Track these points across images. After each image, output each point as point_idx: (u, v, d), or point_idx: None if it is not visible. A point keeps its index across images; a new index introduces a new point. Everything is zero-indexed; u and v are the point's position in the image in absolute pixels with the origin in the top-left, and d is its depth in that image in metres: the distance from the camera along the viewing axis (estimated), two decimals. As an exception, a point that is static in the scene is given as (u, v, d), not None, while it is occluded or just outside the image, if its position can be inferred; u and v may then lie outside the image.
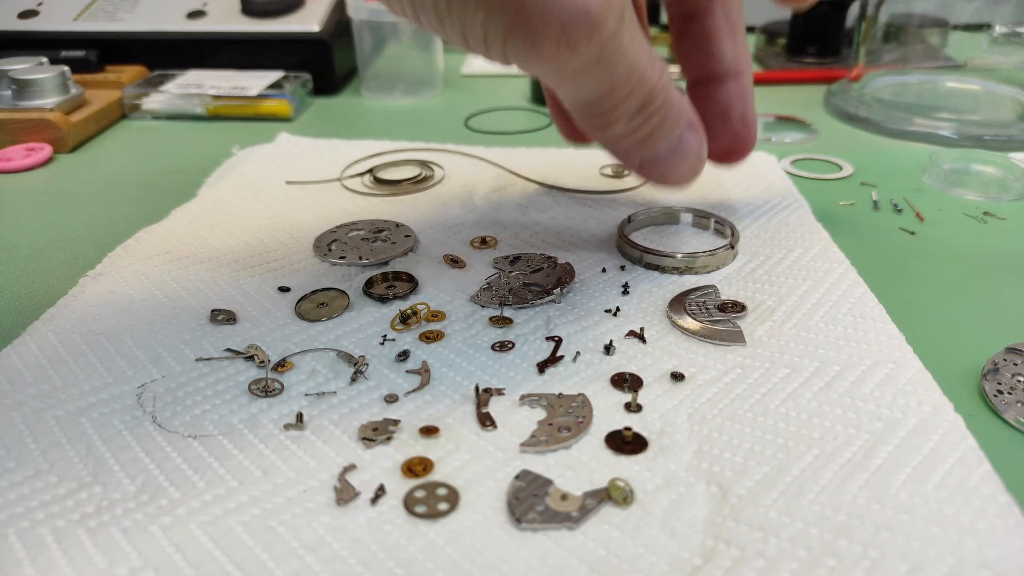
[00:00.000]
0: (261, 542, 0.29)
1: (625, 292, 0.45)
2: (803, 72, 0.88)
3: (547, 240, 0.51)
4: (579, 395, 0.36)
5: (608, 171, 0.61)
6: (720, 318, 0.42)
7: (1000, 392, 0.37)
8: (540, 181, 0.60)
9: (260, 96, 0.75)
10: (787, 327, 0.41)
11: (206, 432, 0.35)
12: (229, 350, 0.40)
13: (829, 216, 0.55)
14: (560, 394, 0.36)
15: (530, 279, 0.46)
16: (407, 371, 0.39)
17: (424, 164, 0.62)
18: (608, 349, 0.40)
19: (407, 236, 0.51)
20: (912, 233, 0.53)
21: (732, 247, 0.48)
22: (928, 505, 0.30)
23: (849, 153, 0.66)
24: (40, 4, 0.85)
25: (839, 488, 0.31)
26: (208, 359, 0.39)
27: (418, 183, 0.60)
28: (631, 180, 0.60)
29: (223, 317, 0.43)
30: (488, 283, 0.46)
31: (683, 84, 0.45)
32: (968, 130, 0.68)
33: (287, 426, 0.35)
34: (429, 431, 0.34)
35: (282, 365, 0.39)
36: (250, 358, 0.39)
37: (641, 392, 0.37)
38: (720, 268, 0.47)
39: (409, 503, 0.31)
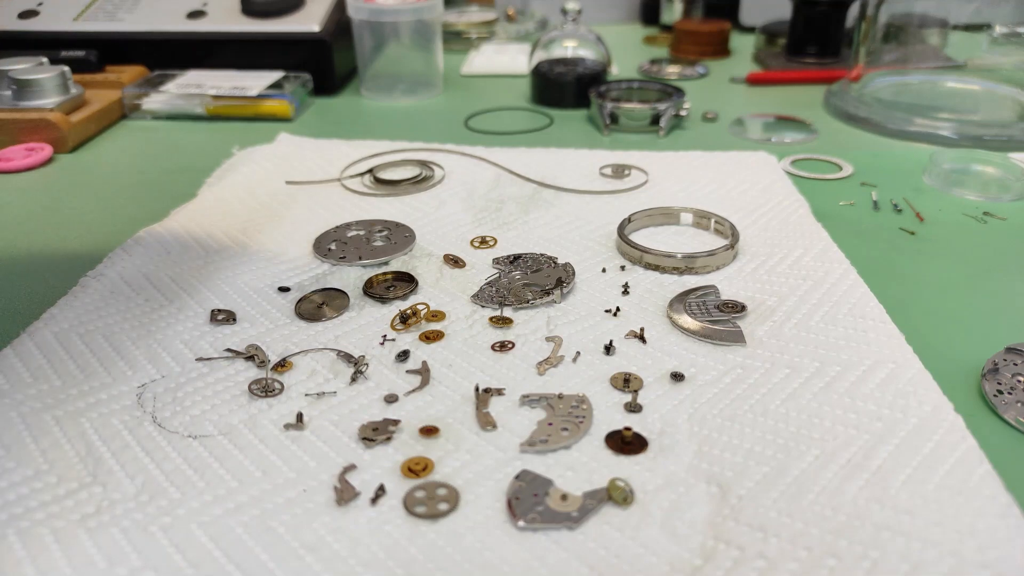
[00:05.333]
0: (261, 542, 0.29)
1: (625, 292, 0.45)
2: (803, 72, 0.88)
3: (547, 240, 0.51)
4: (579, 395, 0.36)
5: (608, 171, 0.61)
6: (720, 318, 0.42)
7: (1000, 392, 0.37)
8: (540, 181, 0.60)
9: (260, 96, 0.75)
10: (787, 327, 0.41)
11: (206, 432, 0.35)
12: (229, 350, 0.40)
13: (829, 216, 0.55)
14: (560, 394, 0.36)
15: (530, 279, 0.46)
16: (407, 371, 0.39)
17: (424, 164, 0.62)
18: (608, 349, 0.40)
19: (407, 236, 0.51)
20: (912, 233, 0.53)
21: (732, 247, 0.48)
22: (928, 506, 0.30)
23: (849, 153, 0.66)
24: (40, 4, 0.85)
25: (839, 488, 0.31)
26: (208, 359, 0.39)
27: (418, 183, 0.60)
28: (631, 180, 0.60)
29: (223, 317, 0.43)
30: (488, 283, 0.46)
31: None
32: (968, 130, 0.68)
33: (287, 426, 0.35)
34: (429, 431, 0.34)
35: (282, 365, 0.39)
36: (250, 358, 0.39)
37: (641, 392, 0.37)
38: (720, 268, 0.47)
39: (409, 503, 0.31)
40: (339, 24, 0.83)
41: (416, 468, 0.32)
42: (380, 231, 0.52)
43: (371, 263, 0.48)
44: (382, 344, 0.41)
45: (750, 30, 1.08)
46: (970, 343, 0.41)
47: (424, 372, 0.38)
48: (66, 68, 0.70)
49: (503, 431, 0.35)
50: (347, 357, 0.39)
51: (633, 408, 0.36)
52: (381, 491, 0.31)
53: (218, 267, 0.48)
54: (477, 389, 0.37)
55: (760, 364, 0.38)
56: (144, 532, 0.29)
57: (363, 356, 0.39)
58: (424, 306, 0.43)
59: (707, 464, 0.33)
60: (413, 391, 0.37)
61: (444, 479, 0.32)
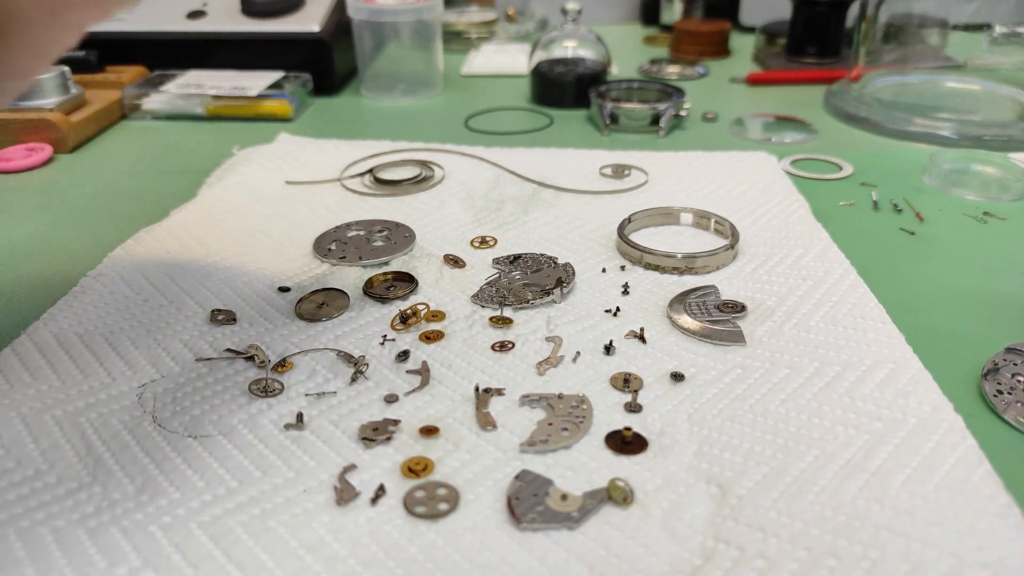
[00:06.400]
0: (261, 542, 0.29)
1: (625, 292, 0.45)
2: (803, 72, 0.88)
3: (547, 240, 0.51)
4: (579, 395, 0.36)
5: (608, 171, 0.61)
6: (720, 318, 0.42)
7: (1000, 392, 0.37)
8: (540, 181, 0.60)
9: (260, 96, 0.75)
10: (787, 327, 0.41)
11: (206, 432, 0.35)
12: (229, 350, 0.40)
13: (829, 216, 0.55)
14: (560, 394, 0.36)
15: (530, 279, 0.46)
16: (407, 371, 0.39)
17: (424, 164, 0.62)
18: (608, 349, 0.40)
19: (407, 236, 0.51)
20: (912, 233, 0.53)
21: (732, 247, 0.48)
22: (928, 506, 0.30)
23: (849, 153, 0.66)
24: (40, 4, 0.85)
25: (839, 489, 0.31)
26: (208, 359, 0.39)
27: (418, 183, 0.60)
28: (631, 180, 0.60)
29: (223, 317, 0.43)
30: (488, 283, 0.46)
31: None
32: (968, 130, 0.68)
33: (287, 426, 0.35)
34: (429, 431, 0.34)
35: (282, 365, 0.39)
36: (250, 358, 0.39)
37: (641, 392, 0.37)
38: (720, 268, 0.47)
39: (409, 503, 0.31)
40: (339, 24, 0.83)
41: (416, 468, 0.32)
42: (380, 231, 0.52)
43: (371, 263, 0.48)
44: (382, 344, 0.41)
45: (750, 30, 1.08)
46: (970, 343, 0.41)
47: (424, 372, 0.38)
48: (66, 68, 0.70)
49: (503, 431, 0.35)
50: (347, 357, 0.39)
51: (633, 408, 0.36)
52: (381, 491, 0.31)
53: (218, 267, 0.48)
54: (477, 389, 0.37)
55: (760, 364, 0.38)
56: (144, 532, 0.29)
57: (363, 356, 0.39)
58: (424, 306, 0.43)
59: (707, 464, 0.33)
60: (413, 391, 0.37)
61: (444, 479, 0.32)
